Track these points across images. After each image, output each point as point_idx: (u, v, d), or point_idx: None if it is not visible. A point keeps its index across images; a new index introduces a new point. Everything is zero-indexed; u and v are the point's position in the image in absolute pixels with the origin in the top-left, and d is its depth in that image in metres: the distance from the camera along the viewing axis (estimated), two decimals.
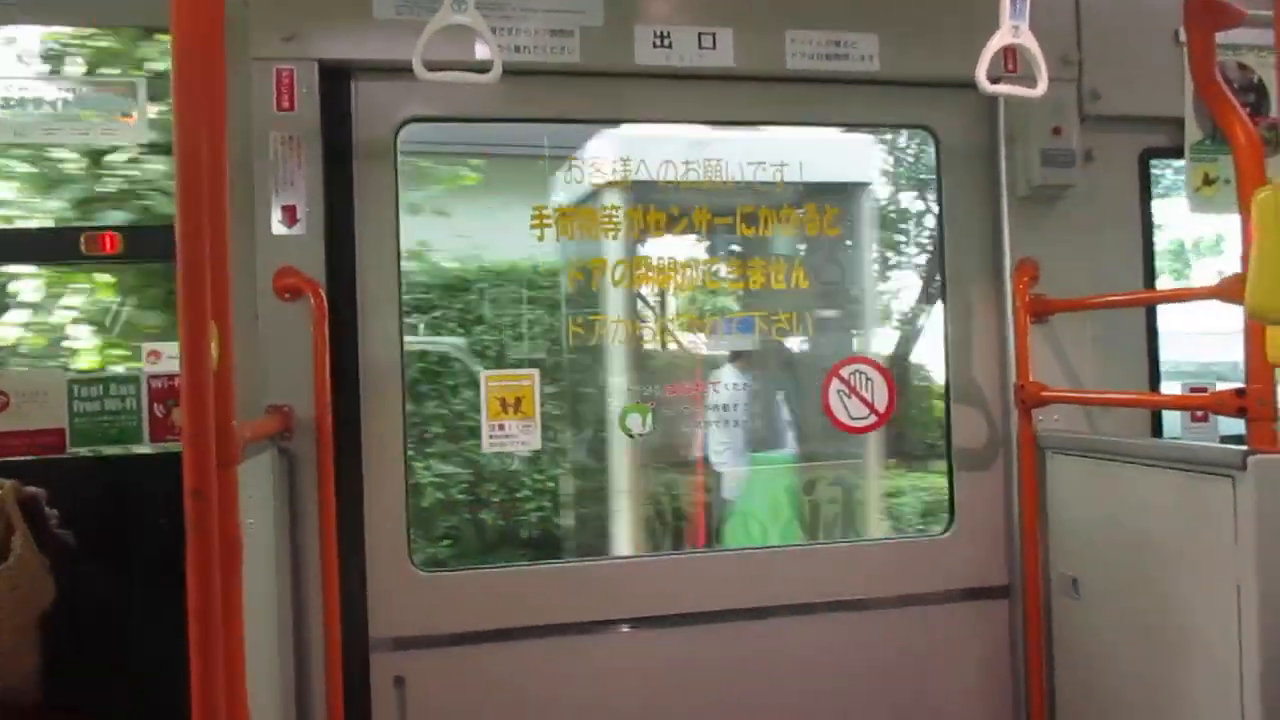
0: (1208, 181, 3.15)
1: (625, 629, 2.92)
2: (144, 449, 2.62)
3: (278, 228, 2.65)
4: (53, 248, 2.83)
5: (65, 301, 3.75)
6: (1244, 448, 2.22)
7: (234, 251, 1.84)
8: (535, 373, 2.90)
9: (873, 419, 3.09)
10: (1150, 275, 3.17)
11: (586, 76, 2.87)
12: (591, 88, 2.90)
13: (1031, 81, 2.39)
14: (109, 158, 3.65)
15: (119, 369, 3.55)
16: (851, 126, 3.23)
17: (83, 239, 2.67)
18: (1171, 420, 3.30)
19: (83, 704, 2.17)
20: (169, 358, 2.78)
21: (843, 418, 3.07)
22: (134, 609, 2.37)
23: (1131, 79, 3.07)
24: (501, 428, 2.85)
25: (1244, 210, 2.29)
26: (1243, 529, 2.19)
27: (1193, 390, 3.18)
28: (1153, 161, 3.23)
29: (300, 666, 2.63)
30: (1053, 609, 2.95)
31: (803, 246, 3.41)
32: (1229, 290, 2.31)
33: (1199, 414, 3.02)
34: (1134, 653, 2.63)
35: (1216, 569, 2.26)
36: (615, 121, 3.05)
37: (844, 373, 3.08)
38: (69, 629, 2.10)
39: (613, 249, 3.03)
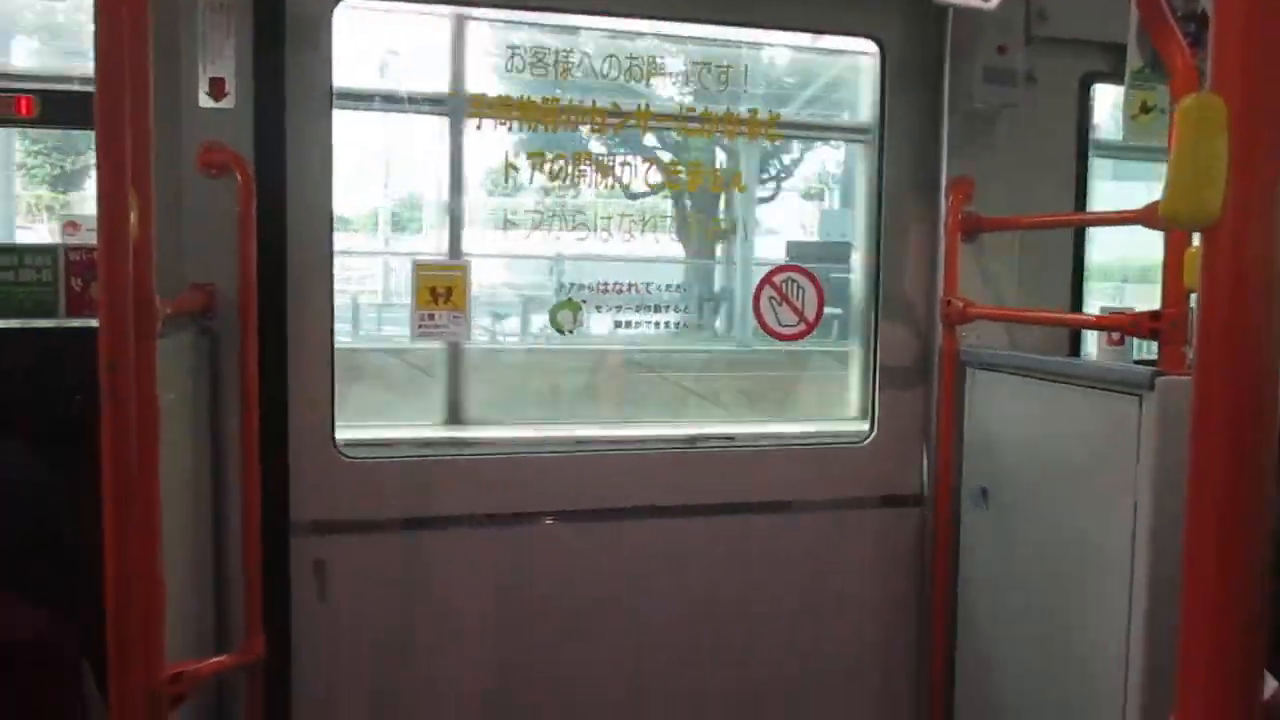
0: (1145, 109, 3.18)
1: (548, 521, 2.97)
2: (60, 323, 2.55)
3: (204, 100, 2.56)
4: None
5: None
6: (1153, 368, 2.30)
7: (159, 124, 1.78)
8: (468, 262, 2.88)
9: (801, 327, 3.13)
10: (1082, 199, 3.22)
11: None
12: None
13: None
14: None
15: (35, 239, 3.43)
16: (798, 30, 3.18)
17: None
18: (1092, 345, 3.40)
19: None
20: (88, 230, 2.69)
21: (772, 324, 3.11)
22: (47, 484, 2.33)
23: (1078, 2, 3.07)
24: (431, 317, 2.83)
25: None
26: (1145, 447, 2.28)
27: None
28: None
29: (219, 548, 2.63)
30: (961, 518, 3.06)
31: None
32: (1152, 215, 2.37)
33: (1115, 336, 3.10)
34: (1034, 561, 2.74)
35: (1118, 485, 2.36)
36: (553, 10, 2.97)
37: (776, 280, 3.10)
38: None
39: (547, 140, 2.97)
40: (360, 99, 2.92)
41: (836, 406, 3.47)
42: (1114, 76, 3.19)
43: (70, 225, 2.72)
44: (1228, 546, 0.86)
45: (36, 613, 2.08)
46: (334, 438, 2.78)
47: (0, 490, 2.22)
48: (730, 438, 3.22)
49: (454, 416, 3.16)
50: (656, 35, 3.05)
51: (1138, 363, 3.19)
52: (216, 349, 2.60)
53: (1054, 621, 2.66)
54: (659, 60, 3.03)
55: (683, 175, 3.13)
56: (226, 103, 2.56)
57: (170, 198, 2.50)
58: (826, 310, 3.20)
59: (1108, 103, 3.43)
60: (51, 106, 2.53)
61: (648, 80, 3.02)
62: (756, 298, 3.10)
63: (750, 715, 3.14)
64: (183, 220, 2.56)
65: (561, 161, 2.95)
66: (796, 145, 3.99)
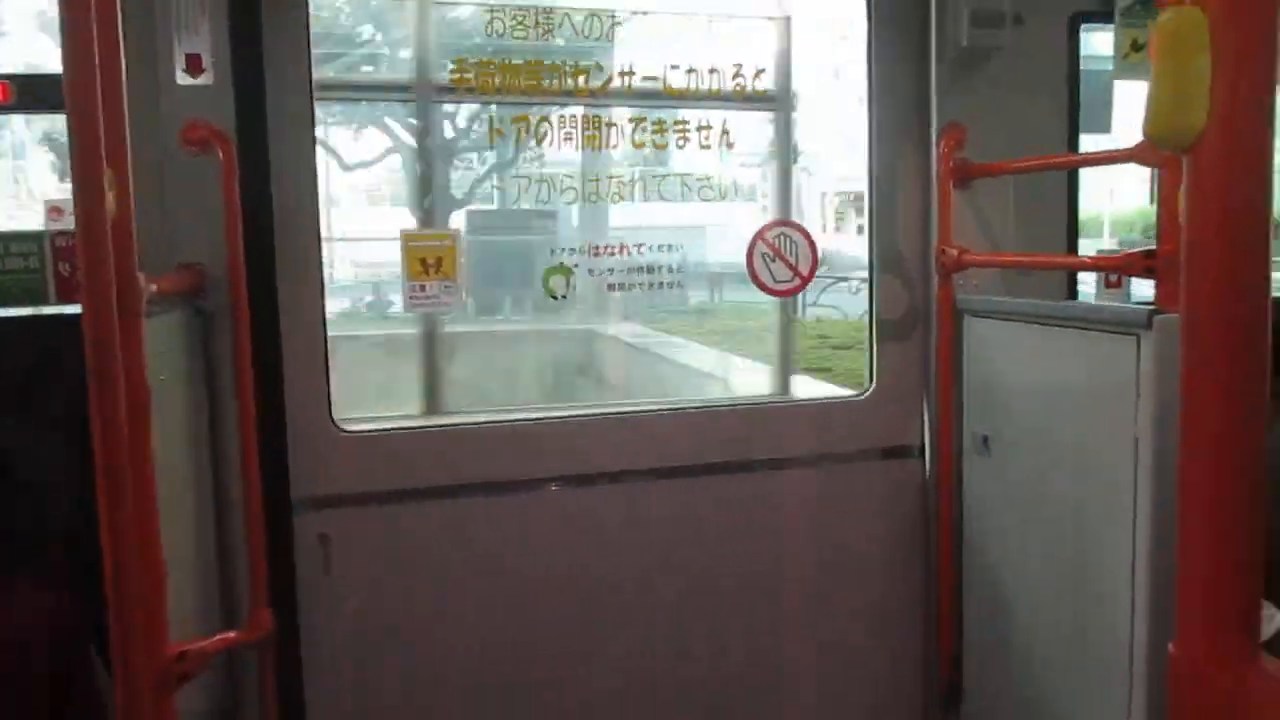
0: (1135, 48, 3.14)
1: (552, 487, 2.97)
2: (51, 309, 2.54)
3: (182, 77, 2.53)
4: None
5: None
6: (1150, 307, 2.28)
7: (135, 103, 1.75)
8: (456, 232, 2.85)
9: (796, 282, 3.11)
10: (1074, 140, 3.19)
11: None
12: None
13: None
14: None
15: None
16: None
17: None
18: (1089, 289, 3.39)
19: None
20: (71, 214, 2.67)
21: (766, 280, 3.08)
22: (50, 470, 2.33)
23: None
24: (422, 288, 2.81)
25: None
26: (1145, 385, 2.27)
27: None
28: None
29: (222, 527, 2.63)
30: (963, 466, 3.06)
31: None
32: (1144, 152, 2.34)
33: (1113, 279, 3.08)
34: (1038, 506, 2.74)
35: (1119, 425, 2.35)
36: None
37: (768, 236, 3.07)
38: None
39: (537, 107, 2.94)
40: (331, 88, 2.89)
41: None
42: (1104, 15, 3.15)
43: (54, 210, 2.69)
44: (1222, 473, 0.85)
45: (44, 597, 2.09)
46: (331, 412, 2.77)
47: (3, 477, 2.22)
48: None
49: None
50: None
51: (1137, 303, 3.18)
52: (210, 328, 2.59)
53: (1059, 563, 2.67)
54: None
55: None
56: (204, 79, 2.52)
57: (153, 177, 2.47)
58: None
59: None
60: (27, 91, 2.50)
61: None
62: (750, 254, 3.08)
63: (759, 671, 3.15)
64: (168, 200, 2.53)
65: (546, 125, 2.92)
66: None
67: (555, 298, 3.02)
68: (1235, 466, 0.84)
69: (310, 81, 2.68)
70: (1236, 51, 0.73)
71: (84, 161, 1.59)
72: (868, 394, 3.19)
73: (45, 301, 2.52)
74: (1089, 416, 2.52)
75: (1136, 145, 2.36)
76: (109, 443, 1.61)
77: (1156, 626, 2.27)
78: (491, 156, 3.31)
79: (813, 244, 3.11)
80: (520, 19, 2.88)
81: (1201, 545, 0.90)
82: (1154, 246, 2.36)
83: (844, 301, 10.27)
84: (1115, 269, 2.67)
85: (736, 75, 3.03)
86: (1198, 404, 0.84)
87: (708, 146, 3.05)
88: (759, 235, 3.07)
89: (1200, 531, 0.90)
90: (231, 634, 2.37)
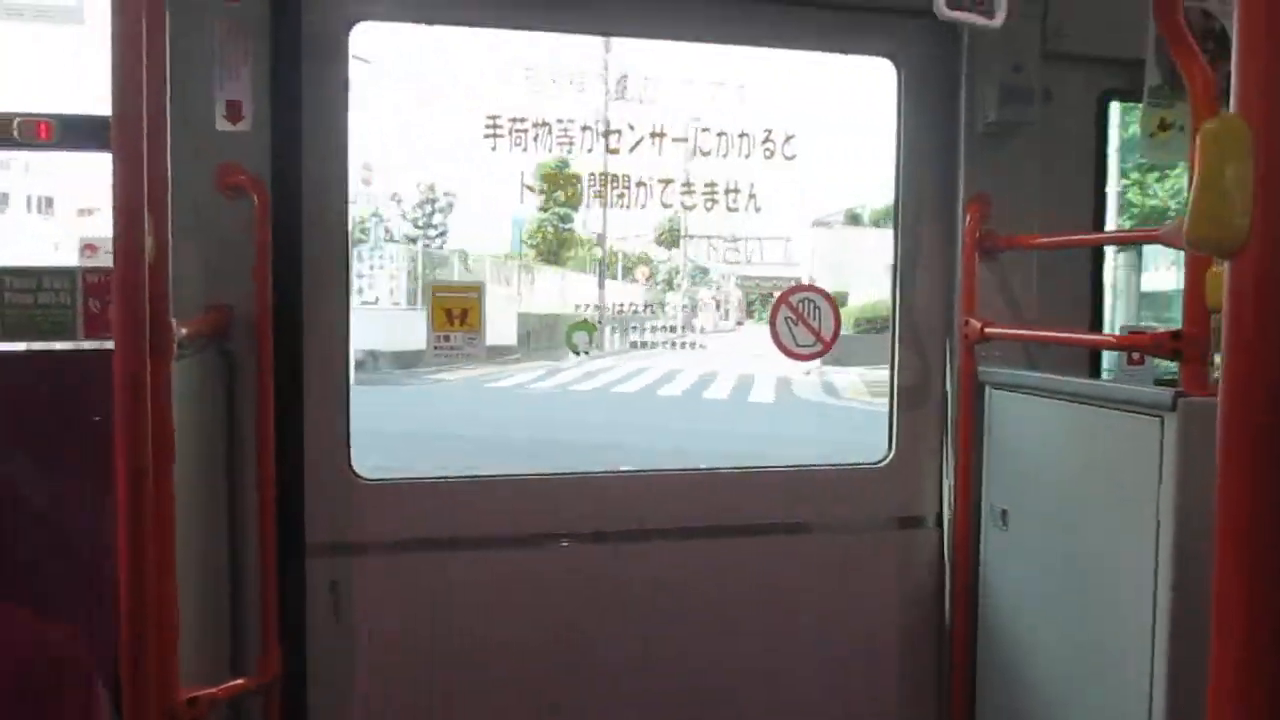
0: (1163, 127, 3.16)
1: (564, 543, 2.95)
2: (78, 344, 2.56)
3: (221, 123, 2.57)
4: None
5: None
6: (1175, 389, 2.27)
7: (175, 147, 1.79)
8: (482, 284, 2.88)
9: (818, 347, 3.11)
10: (1100, 217, 3.20)
11: None
12: None
13: (992, 13, 2.38)
14: None
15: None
16: (816, 50, 3.17)
17: (16, 125, 2.56)
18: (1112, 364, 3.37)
19: (16, 599, 2.15)
20: (106, 252, 2.71)
21: (789, 345, 3.09)
22: (66, 505, 2.34)
23: (1095, 18, 3.06)
24: (446, 339, 2.83)
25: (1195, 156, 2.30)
26: (1167, 469, 2.25)
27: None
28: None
29: (235, 569, 2.63)
30: (981, 539, 3.03)
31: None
32: (1172, 235, 2.35)
33: (1135, 356, 3.07)
34: (1056, 583, 2.71)
35: (1140, 506, 2.33)
36: (571, 32, 2.98)
37: (793, 300, 3.09)
38: None
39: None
40: None
41: None
42: (1132, 93, 3.18)
43: (89, 247, 2.74)
44: (1258, 570, 0.84)
45: (53, 634, 2.08)
46: (349, 459, 2.78)
47: (20, 511, 2.22)
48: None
49: None
50: None
51: (1158, 383, 3.16)
52: (233, 370, 2.61)
53: (1077, 644, 2.63)
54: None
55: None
56: (243, 125, 2.57)
57: (188, 220, 2.51)
58: None
59: None
60: (69, 130, 2.55)
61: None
62: (773, 318, 3.09)
63: None
64: (200, 242, 2.57)
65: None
66: None
67: (577, 353, 3.03)
68: (1273, 557, 0.83)
69: (347, 131, 2.72)
70: (1278, 161, 0.74)
71: (126, 204, 1.62)
72: (886, 462, 3.17)
73: (74, 337, 2.54)
74: (1110, 495, 2.50)
75: (1165, 227, 2.37)
76: (133, 482, 1.62)
77: (1175, 715, 2.23)
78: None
79: (835, 309, 3.12)
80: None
81: (1237, 638, 0.88)
82: (1179, 329, 2.35)
83: None
84: (1141, 348, 2.67)
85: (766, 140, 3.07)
86: (1234, 494, 0.84)
87: (735, 209, 3.07)
88: (783, 299, 3.09)
89: (1235, 624, 0.88)
90: (242, 680, 2.36)
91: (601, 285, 6.63)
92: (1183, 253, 2.37)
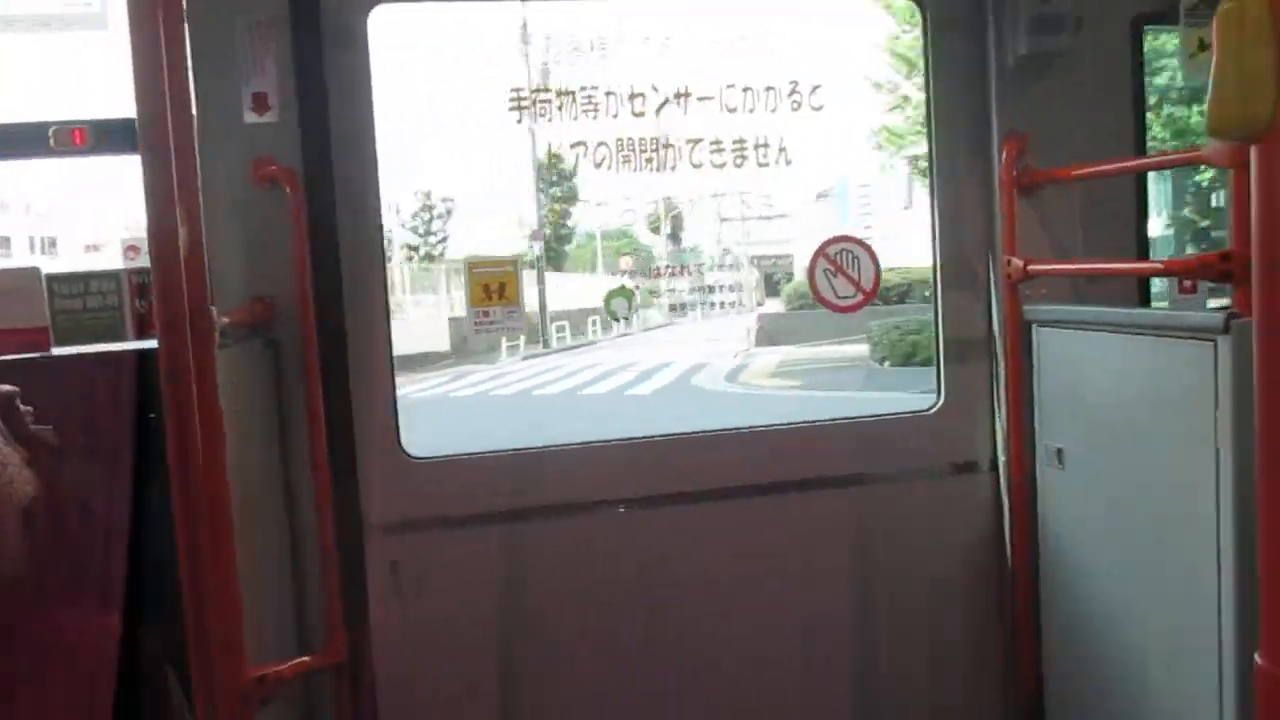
0: (1203, 47, 3.06)
1: (621, 509, 2.97)
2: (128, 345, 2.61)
3: (249, 116, 2.60)
4: (21, 142, 2.78)
5: None
6: (1227, 310, 2.22)
7: (205, 142, 1.81)
8: (519, 258, 2.89)
9: (859, 297, 3.08)
10: (1141, 145, 3.12)
11: None
12: None
13: None
14: None
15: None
16: None
17: (51, 134, 2.61)
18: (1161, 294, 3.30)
19: (81, 598, 2.21)
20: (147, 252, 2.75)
21: (829, 296, 3.06)
22: (131, 501, 2.39)
23: None
24: (486, 314, 2.85)
25: None
26: (1223, 392, 2.20)
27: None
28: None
29: (296, 553, 2.68)
30: (1038, 480, 2.99)
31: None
32: (1214, 152, 2.28)
33: (1187, 284, 3.00)
34: (1116, 518, 2.67)
35: (1198, 434, 2.28)
36: None
37: (829, 251, 3.06)
38: (58, 522, 2.12)
39: (593, 130, 2.96)
40: None
41: None
42: (1166, 16, 3.08)
43: (131, 249, 2.78)
44: None
45: (120, 620, 2.14)
46: (399, 439, 2.81)
47: (88, 511, 2.28)
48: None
49: None
50: None
51: (1212, 309, 3.09)
52: (280, 359, 2.65)
53: (1140, 578, 2.59)
54: None
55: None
56: (270, 116, 2.59)
57: (227, 215, 2.55)
58: None
59: None
60: (103, 135, 2.59)
61: None
62: (811, 270, 3.06)
63: (833, 693, 3.11)
64: (241, 236, 2.60)
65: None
66: None
67: (616, 319, 3.03)
68: None
69: (373, 115, 2.74)
70: None
71: (158, 201, 1.65)
72: (936, 409, 3.14)
73: (124, 337, 2.59)
74: (1167, 425, 2.45)
75: (1208, 146, 2.31)
76: (183, 471, 1.65)
77: (1245, 639, 2.19)
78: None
79: (875, 259, 3.08)
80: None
81: None
82: (1229, 249, 2.29)
83: None
84: (1188, 273, 2.60)
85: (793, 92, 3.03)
86: (1273, 410, 0.82)
87: (765, 164, 3.04)
88: (820, 251, 3.06)
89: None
90: (309, 659, 2.41)
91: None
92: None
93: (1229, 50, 0.70)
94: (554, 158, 2.98)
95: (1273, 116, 0.70)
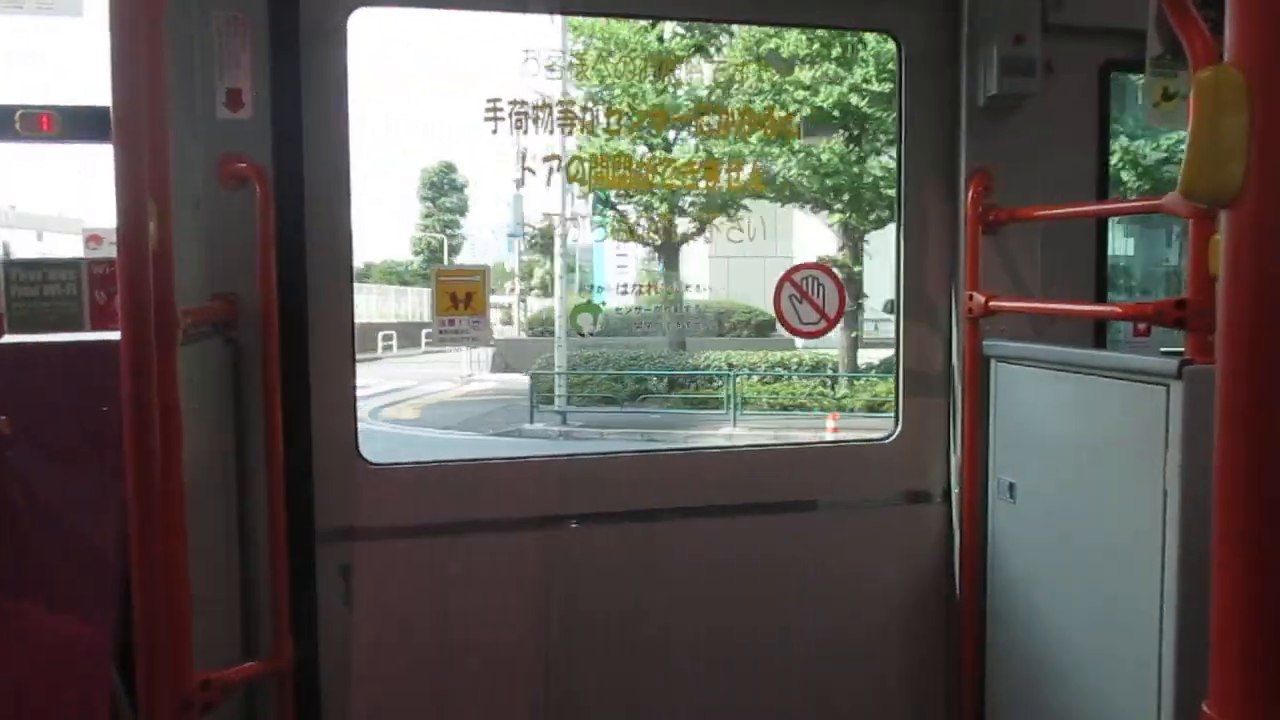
0: (1166, 96, 3.14)
1: (573, 525, 2.96)
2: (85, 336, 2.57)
3: (222, 112, 2.57)
4: None
5: None
6: (1180, 357, 2.27)
7: (178, 136, 1.79)
8: (486, 268, 2.88)
9: (822, 324, 3.11)
10: (1103, 188, 3.19)
11: None
12: None
13: None
14: None
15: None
16: (816, 26, 3.16)
17: (18, 118, 2.57)
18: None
19: (25, 590, 2.16)
20: (110, 244, 2.71)
21: (793, 321, 3.09)
22: (76, 494, 2.35)
23: None
24: (451, 322, 2.84)
25: None
26: (1174, 437, 2.25)
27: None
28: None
29: (246, 555, 2.65)
30: (989, 513, 3.03)
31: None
32: (1176, 203, 2.34)
33: (1141, 328, 3.07)
34: (1064, 554, 2.72)
35: (1147, 476, 2.33)
36: (572, 13, 2.97)
37: (796, 278, 3.09)
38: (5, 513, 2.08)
39: (569, 144, 2.98)
40: None
41: None
42: (1134, 64, 3.16)
43: (93, 238, 2.74)
44: (1257, 532, 0.84)
45: (66, 621, 2.10)
46: (357, 444, 2.79)
47: (31, 502, 2.24)
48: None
49: None
50: None
51: (1164, 353, 3.15)
52: (240, 358, 2.61)
53: (1085, 614, 2.63)
54: None
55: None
56: (244, 113, 2.57)
57: (192, 209, 2.52)
58: None
59: None
60: (70, 122, 2.55)
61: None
62: (777, 296, 3.09)
63: (780, 713, 3.12)
64: (205, 231, 2.57)
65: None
66: None
67: (581, 334, 3.03)
68: (1272, 530, 0.84)
69: (348, 117, 2.72)
70: (1273, 111, 0.73)
71: (128, 193, 1.63)
72: (893, 438, 3.18)
73: (81, 328, 2.55)
74: (1117, 466, 2.50)
75: (1168, 195, 2.36)
76: (141, 469, 1.63)
77: (1184, 682, 2.24)
78: None
79: (840, 287, 3.12)
80: None
81: (1237, 604, 0.89)
82: (1184, 297, 2.34)
83: None
84: (1145, 319, 2.66)
85: None
86: (1233, 460, 0.84)
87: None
88: (786, 277, 3.09)
89: (1235, 592, 0.89)
90: (255, 664, 2.38)
91: None
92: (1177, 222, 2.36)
93: (1204, 117, 0.73)
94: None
95: (1242, 183, 0.73)
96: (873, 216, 12.98)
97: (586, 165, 2.98)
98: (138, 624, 1.63)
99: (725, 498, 3.04)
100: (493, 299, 3.01)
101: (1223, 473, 0.83)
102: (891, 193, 3.07)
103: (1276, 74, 0.75)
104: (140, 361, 1.59)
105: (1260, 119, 0.73)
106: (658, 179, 3.14)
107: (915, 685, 3.20)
